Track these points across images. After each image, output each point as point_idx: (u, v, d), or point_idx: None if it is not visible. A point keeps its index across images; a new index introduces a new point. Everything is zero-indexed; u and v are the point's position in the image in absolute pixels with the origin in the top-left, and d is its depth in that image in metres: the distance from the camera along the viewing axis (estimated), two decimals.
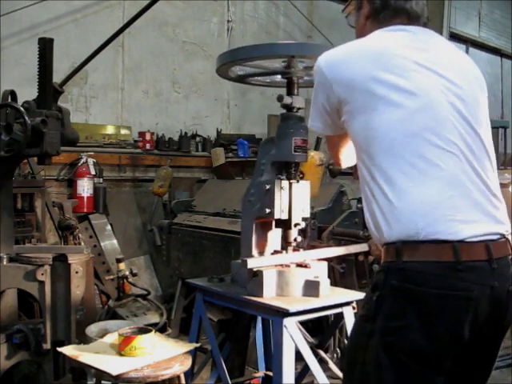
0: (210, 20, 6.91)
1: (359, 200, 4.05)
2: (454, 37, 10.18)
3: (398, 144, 1.58)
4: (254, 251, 2.53)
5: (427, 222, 1.52)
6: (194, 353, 2.55)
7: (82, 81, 5.73)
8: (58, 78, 3.05)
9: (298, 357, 2.33)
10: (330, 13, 8.06)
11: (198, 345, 2.59)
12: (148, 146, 5.99)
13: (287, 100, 2.51)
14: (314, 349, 2.58)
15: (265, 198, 2.46)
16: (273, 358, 2.47)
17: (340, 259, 3.66)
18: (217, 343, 2.66)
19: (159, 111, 6.43)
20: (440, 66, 1.65)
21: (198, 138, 6.49)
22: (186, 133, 6.39)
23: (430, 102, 1.60)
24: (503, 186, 4.82)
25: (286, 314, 2.24)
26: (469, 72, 1.75)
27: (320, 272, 2.50)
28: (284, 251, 2.55)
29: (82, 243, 4.04)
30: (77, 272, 2.74)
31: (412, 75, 1.61)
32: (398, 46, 1.66)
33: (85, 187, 5.31)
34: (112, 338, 2.50)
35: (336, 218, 4.05)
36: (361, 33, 1.82)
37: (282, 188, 2.46)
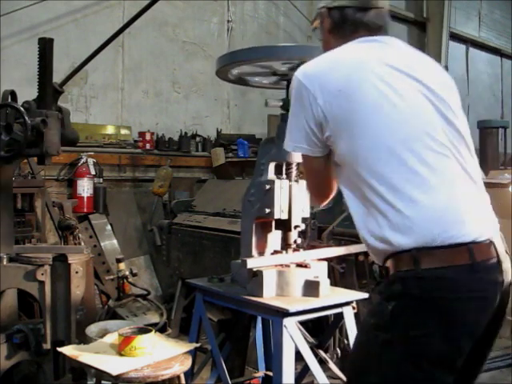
0: (209, 20, 6.92)
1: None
2: (454, 37, 10.19)
3: (397, 152, 1.57)
4: (254, 251, 2.53)
5: (442, 227, 1.53)
6: (193, 353, 2.55)
7: (82, 81, 5.73)
8: (58, 77, 3.05)
9: (298, 357, 2.33)
10: None
11: (197, 345, 2.59)
12: (148, 146, 5.99)
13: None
14: (313, 349, 2.59)
15: (265, 198, 2.46)
16: (273, 358, 2.47)
17: (340, 259, 3.66)
18: (217, 343, 2.66)
19: (159, 111, 6.44)
20: (415, 71, 1.67)
21: (197, 138, 6.49)
22: (186, 133, 6.40)
23: (418, 107, 1.62)
24: (503, 186, 4.82)
25: (286, 314, 2.24)
26: (436, 72, 1.77)
27: (320, 272, 2.50)
28: (284, 251, 2.55)
29: (82, 243, 4.04)
30: (77, 272, 2.74)
31: (396, 82, 1.62)
32: (376, 55, 1.68)
33: (85, 187, 5.31)
34: (112, 338, 2.50)
35: (336, 218, 4.05)
36: (327, 46, 1.83)
37: (281, 188, 2.46)
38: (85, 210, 5.30)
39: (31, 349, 2.74)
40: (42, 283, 2.65)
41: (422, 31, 9.89)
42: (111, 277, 4.12)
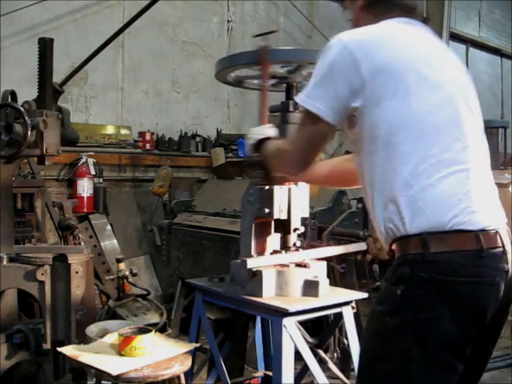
0: (209, 20, 6.92)
1: (359, 200, 4.05)
2: (454, 37, 10.18)
3: (427, 135, 1.59)
4: (254, 251, 2.53)
5: (454, 213, 1.55)
6: (193, 353, 2.55)
7: (82, 81, 5.73)
8: (58, 78, 3.06)
9: (298, 357, 2.33)
10: (330, 13, 8.06)
11: (197, 345, 2.59)
12: (148, 146, 5.99)
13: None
14: (313, 349, 2.58)
15: (264, 198, 2.46)
16: (272, 358, 2.47)
17: (340, 259, 3.67)
18: (216, 343, 2.66)
19: (159, 111, 6.44)
20: (450, 62, 1.73)
21: (198, 138, 6.49)
22: (186, 133, 6.40)
23: (451, 96, 1.65)
24: (503, 185, 4.82)
25: (286, 313, 2.24)
26: (461, 66, 1.81)
27: (319, 272, 2.50)
28: (283, 251, 2.54)
29: (82, 243, 4.04)
30: (77, 272, 2.74)
31: (436, 68, 1.66)
32: (417, 39, 1.71)
33: (85, 187, 5.32)
34: (112, 338, 2.50)
35: (336, 218, 4.05)
36: (357, 25, 1.82)
37: (281, 188, 2.46)
38: (85, 210, 5.31)
39: (31, 349, 2.74)
40: (42, 283, 2.65)
41: None
42: (111, 277, 4.12)
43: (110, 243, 5.39)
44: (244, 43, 6.92)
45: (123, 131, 6.04)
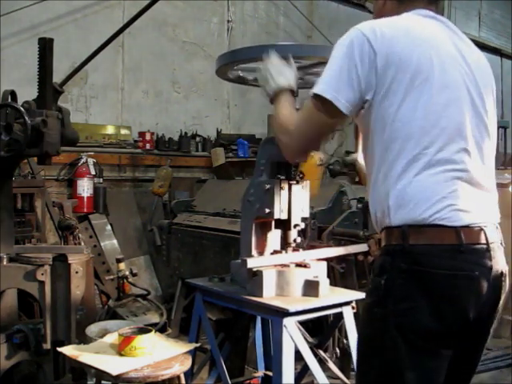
0: (209, 20, 6.92)
1: (359, 200, 4.05)
2: None
3: (426, 134, 1.61)
4: (254, 251, 2.53)
5: (435, 210, 1.59)
6: (193, 353, 2.55)
7: (82, 81, 5.73)
8: (58, 78, 3.05)
9: (298, 357, 2.33)
10: (330, 13, 8.07)
11: (197, 345, 2.59)
12: (148, 146, 5.99)
13: None
14: (313, 348, 2.59)
15: (264, 198, 2.46)
16: (272, 358, 2.47)
17: (340, 259, 3.67)
18: (216, 343, 2.66)
19: (159, 111, 6.44)
20: (466, 61, 1.71)
21: (197, 138, 6.49)
22: (186, 133, 6.40)
23: (458, 97, 1.66)
24: (503, 185, 4.82)
25: (286, 313, 2.24)
26: (485, 67, 1.81)
27: (319, 272, 2.50)
28: (283, 251, 2.55)
29: (82, 243, 4.04)
30: (77, 272, 2.74)
31: (447, 67, 1.66)
32: (436, 36, 1.70)
33: (85, 187, 5.32)
34: (112, 338, 2.50)
35: (336, 218, 4.05)
36: (380, 14, 1.82)
37: (281, 188, 2.46)
38: (85, 210, 5.31)
39: (31, 349, 2.74)
40: (42, 283, 2.65)
41: None
42: (111, 277, 4.12)
43: (110, 243, 5.39)
44: (244, 43, 6.91)
45: (123, 131, 6.04)
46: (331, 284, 2.56)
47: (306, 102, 1.73)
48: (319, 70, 2.35)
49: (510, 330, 4.73)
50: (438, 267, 1.56)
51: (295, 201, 2.49)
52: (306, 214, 2.57)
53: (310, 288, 2.40)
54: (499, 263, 1.66)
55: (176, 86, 6.58)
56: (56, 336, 2.71)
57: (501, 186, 4.84)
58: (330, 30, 7.55)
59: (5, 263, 2.70)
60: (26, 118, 2.57)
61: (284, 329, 2.24)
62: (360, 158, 2.67)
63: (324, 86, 1.65)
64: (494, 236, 1.66)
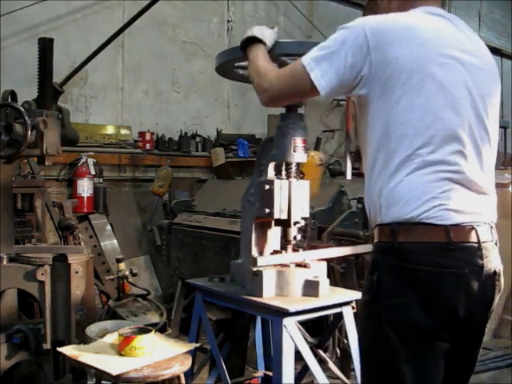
0: (209, 20, 6.92)
1: (359, 200, 4.05)
2: None
3: (418, 136, 1.62)
4: (254, 251, 2.53)
5: (425, 209, 1.60)
6: (193, 353, 2.55)
7: (82, 81, 5.73)
8: (58, 78, 3.06)
9: (298, 357, 2.33)
10: (330, 13, 8.06)
11: (197, 345, 2.59)
12: (148, 146, 5.99)
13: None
14: (313, 348, 2.59)
15: (264, 198, 2.46)
16: (272, 358, 2.47)
17: (340, 259, 3.67)
18: (216, 343, 2.66)
19: (159, 111, 6.44)
20: (470, 62, 1.70)
21: (198, 138, 6.49)
22: (186, 133, 6.40)
23: (456, 98, 1.65)
24: (503, 185, 4.82)
25: (286, 313, 2.24)
26: (490, 66, 1.79)
27: (319, 272, 2.50)
28: (284, 251, 2.55)
29: (82, 243, 4.03)
30: (77, 272, 2.74)
31: (447, 68, 1.65)
32: (439, 35, 1.68)
33: (85, 187, 5.31)
34: (112, 338, 2.50)
35: (336, 218, 4.05)
36: (386, 11, 1.80)
37: (281, 188, 2.46)
38: (85, 210, 5.30)
39: (31, 349, 2.74)
40: (42, 283, 2.65)
41: None
42: (111, 277, 4.11)
43: (110, 243, 5.39)
44: None
45: (123, 131, 6.04)
46: (331, 284, 2.56)
47: (295, 62, 1.76)
48: None
49: (510, 329, 4.73)
50: (426, 264, 1.58)
51: (295, 199, 2.49)
52: (306, 214, 2.57)
53: (310, 288, 2.40)
54: (492, 262, 1.66)
55: (176, 86, 6.58)
56: (56, 336, 2.71)
57: (501, 186, 4.84)
58: (330, 30, 7.53)
59: (5, 263, 2.70)
60: (26, 117, 2.57)
61: (284, 329, 2.24)
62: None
63: (313, 63, 1.68)
64: (486, 235, 1.66)
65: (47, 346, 2.67)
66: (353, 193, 4.27)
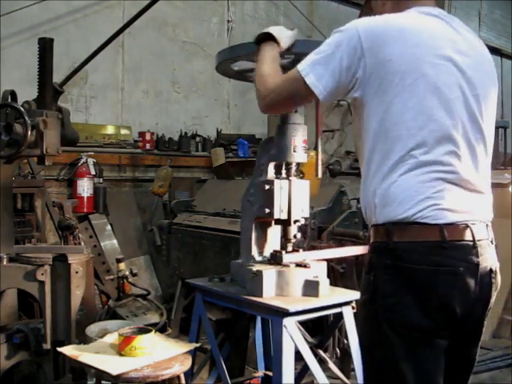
0: (209, 20, 6.92)
1: (359, 200, 4.05)
2: None
3: (412, 137, 1.63)
4: (254, 251, 2.53)
5: (418, 209, 1.61)
6: (193, 353, 2.55)
7: (82, 81, 5.73)
8: (58, 78, 3.06)
9: (298, 357, 2.33)
10: (330, 13, 8.06)
11: (197, 345, 2.59)
12: (148, 146, 5.99)
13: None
14: (313, 348, 2.59)
15: (264, 198, 2.46)
16: (272, 358, 2.47)
17: (340, 259, 3.67)
18: (216, 343, 2.66)
19: (159, 111, 6.44)
20: (465, 62, 1.70)
21: (198, 138, 6.49)
22: (186, 133, 6.39)
23: (449, 100, 1.65)
24: (503, 185, 4.82)
25: (286, 313, 2.24)
26: (486, 65, 1.82)
27: (319, 272, 2.50)
28: (283, 251, 2.55)
29: (82, 243, 4.03)
30: (77, 272, 2.74)
31: (441, 69, 1.65)
32: (433, 36, 1.68)
33: (85, 187, 5.31)
34: (112, 338, 2.50)
35: (336, 218, 4.05)
36: (381, 12, 1.81)
37: (281, 188, 2.46)
38: (85, 210, 5.30)
39: (31, 349, 2.74)
40: (42, 283, 2.65)
41: None
42: (111, 277, 4.11)
43: (110, 243, 5.39)
44: None
45: (123, 131, 6.04)
46: (331, 284, 2.56)
47: (292, 70, 1.78)
48: None
49: (510, 329, 4.73)
50: (421, 263, 1.59)
51: (295, 197, 2.49)
52: (306, 214, 2.57)
53: (310, 288, 2.40)
54: (488, 260, 1.67)
55: (176, 86, 6.58)
56: (56, 336, 2.71)
57: (501, 186, 4.84)
58: (330, 30, 7.50)
59: (5, 263, 2.70)
60: (26, 118, 2.57)
61: (284, 329, 2.24)
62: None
63: (308, 68, 1.70)
64: (482, 233, 1.67)
65: (47, 346, 2.67)
66: (353, 193, 4.27)
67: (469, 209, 1.66)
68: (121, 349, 2.36)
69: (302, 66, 1.71)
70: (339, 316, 2.55)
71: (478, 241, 1.64)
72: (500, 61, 11.49)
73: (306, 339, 2.49)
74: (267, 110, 1.94)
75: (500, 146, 8.13)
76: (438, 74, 1.64)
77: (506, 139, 8.40)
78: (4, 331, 2.71)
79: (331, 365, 2.67)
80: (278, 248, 2.59)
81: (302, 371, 2.72)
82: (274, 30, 2.11)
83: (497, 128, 8.22)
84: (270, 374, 2.72)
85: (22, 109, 2.60)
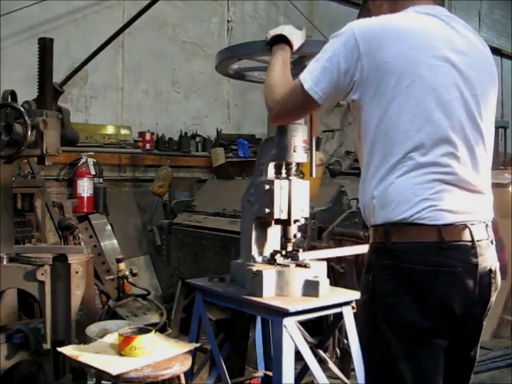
0: (209, 20, 6.92)
1: (359, 200, 4.05)
2: None
3: (409, 139, 1.63)
4: (254, 251, 2.53)
5: (416, 210, 1.62)
6: (193, 353, 2.55)
7: (82, 81, 5.73)
8: (58, 78, 3.06)
9: (298, 357, 2.33)
10: (330, 13, 8.06)
11: (197, 345, 2.59)
12: (148, 146, 5.99)
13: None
14: (313, 348, 2.59)
15: (264, 198, 2.46)
16: (272, 358, 2.47)
17: (340, 259, 3.67)
18: (216, 343, 2.66)
19: (159, 111, 6.44)
20: (463, 62, 1.69)
21: (198, 138, 6.49)
22: (186, 133, 6.40)
23: (447, 101, 1.65)
24: (503, 185, 4.82)
25: (286, 313, 2.24)
26: (485, 65, 1.81)
27: (319, 272, 2.50)
28: (283, 250, 2.55)
29: (82, 243, 4.03)
30: (77, 272, 2.74)
31: (438, 70, 1.65)
32: (430, 36, 1.68)
33: (85, 187, 5.31)
34: (112, 338, 2.50)
35: (336, 218, 4.06)
36: (378, 13, 1.81)
37: (281, 188, 2.46)
38: (85, 210, 5.30)
39: (31, 349, 2.74)
40: (42, 283, 2.65)
41: None
42: (111, 277, 4.11)
43: (110, 243, 5.39)
44: None
45: (123, 131, 6.04)
46: (331, 284, 2.56)
47: (295, 80, 1.80)
48: None
49: (510, 329, 4.73)
50: (419, 263, 1.60)
51: (295, 197, 2.49)
52: (306, 214, 2.57)
53: (310, 288, 2.40)
54: (487, 260, 1.67)
55: (176, 86, 6.58)
56: (56, 336, 2.71)
57: (501, 186, 4.84)
58: (330, 30, 7.51)
59: (5, 263, 2.70)
60: (26, 118, 2.57)
61: (284, 329, 2.24)
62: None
63: (307, 75, 1.73)
64: (481, 234, 1.67)
65: (47, 346, 2.67)
66: (353, 193, 4.27)
67: (468, 209, 1.66)
68: (121, 349, 2.36)
69: (303, 75, 1.74)
70: (339, 316, 2.55)
71: (478, 241, 1.64)
72: (500, 61, 11.48)
73: (306, 339, 2.49)
74: (275, 120, 2.03)
75: (500, 146, 8.13)
76: (435, 76, 1.64)
77: (506, 139, 8.40)
78: (4, 331, 2.71)
79: (331, 365, 2.67)
80: (277, 248, 2.59)
81: (302, 371, 2.72)
82: (286, 31, 2.12)
83: (497, 128, 8.22)
84: (270, 374, 2.72)
85: (21, 109, 2.60)
